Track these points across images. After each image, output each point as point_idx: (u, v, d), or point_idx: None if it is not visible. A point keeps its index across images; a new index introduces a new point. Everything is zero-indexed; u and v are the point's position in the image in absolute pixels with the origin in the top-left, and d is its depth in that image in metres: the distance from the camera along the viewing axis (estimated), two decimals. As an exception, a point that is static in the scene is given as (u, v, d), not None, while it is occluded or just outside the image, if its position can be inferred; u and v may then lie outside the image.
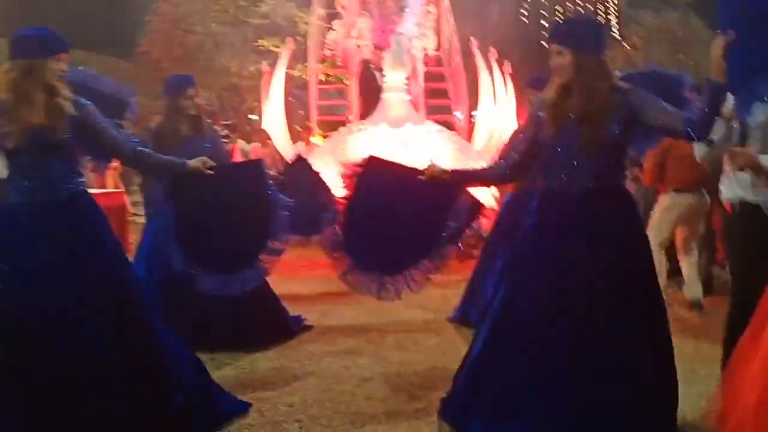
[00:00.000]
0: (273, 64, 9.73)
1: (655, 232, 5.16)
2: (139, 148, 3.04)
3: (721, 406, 2.57)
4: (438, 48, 10.49)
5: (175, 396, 2.89)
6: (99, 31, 15.93)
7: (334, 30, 9.86)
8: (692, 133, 2.62)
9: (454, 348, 4.16)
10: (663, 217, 5.34)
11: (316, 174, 4.23)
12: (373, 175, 3.09)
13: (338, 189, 3.43)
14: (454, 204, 3.02)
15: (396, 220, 3.02)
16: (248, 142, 12.92)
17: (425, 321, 4.96)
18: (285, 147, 9.39)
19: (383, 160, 3.22)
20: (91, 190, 3.46)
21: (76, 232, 2.82)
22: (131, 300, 2.90)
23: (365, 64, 9.08)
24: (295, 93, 14.20)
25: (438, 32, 10.45)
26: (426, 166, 3.02)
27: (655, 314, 2.77)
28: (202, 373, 3.14)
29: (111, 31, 16.22)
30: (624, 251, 2.72)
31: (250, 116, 16.98)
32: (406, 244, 3.04)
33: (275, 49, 14.32)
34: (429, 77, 10.37)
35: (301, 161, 4.41)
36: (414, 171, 3.05)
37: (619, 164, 2.82)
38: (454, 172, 3.13)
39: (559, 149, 2.77)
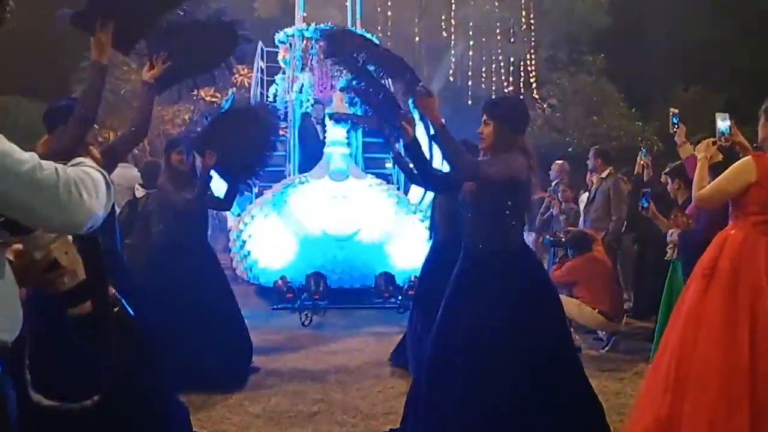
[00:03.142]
0: (210, 114, 9.90)
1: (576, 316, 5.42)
2: None
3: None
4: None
5: None
6: (24, 76, 15.46)
7: (276, 83, 10.09)
8: None
9: (389, 387, 4.49)
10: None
11: None
12: None
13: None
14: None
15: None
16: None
17: (364, 363, 5.17)
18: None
19: None
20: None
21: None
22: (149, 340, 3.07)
23: (306, 117, 9.28)
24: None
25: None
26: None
27: (566, 358, 3.05)
28: (186, 412, 3.38)
29: (38, 77, 15.77)
30: (523, 303, 2.94)
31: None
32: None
33: (210, 99, 14.48)
34: (366, 131, 10.77)
35: None
36: None
37: (511, 226, 3.03)
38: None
39: (467, 210, 3.12)
